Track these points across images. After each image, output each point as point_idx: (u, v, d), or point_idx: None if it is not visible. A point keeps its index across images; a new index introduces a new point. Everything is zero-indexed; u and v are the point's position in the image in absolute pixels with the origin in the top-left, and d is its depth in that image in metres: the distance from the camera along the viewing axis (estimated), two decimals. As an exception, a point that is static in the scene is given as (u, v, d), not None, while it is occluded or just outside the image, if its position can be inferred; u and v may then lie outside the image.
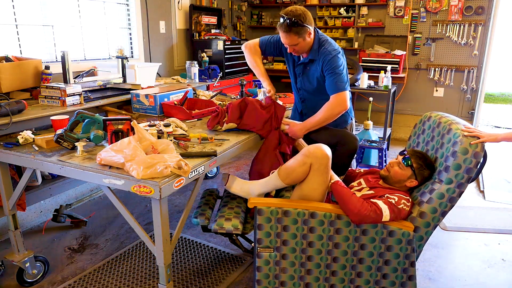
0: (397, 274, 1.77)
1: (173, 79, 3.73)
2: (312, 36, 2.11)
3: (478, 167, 1.70)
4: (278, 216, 1.72)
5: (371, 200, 1.75)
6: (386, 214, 1.69)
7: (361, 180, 2.04)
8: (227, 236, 2.00)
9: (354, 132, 4.26)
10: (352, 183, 2.06)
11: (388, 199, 1.74)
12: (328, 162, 1.81)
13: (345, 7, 5.08)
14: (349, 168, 2.26)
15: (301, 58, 2.25)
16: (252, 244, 1.99)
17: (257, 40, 2.40)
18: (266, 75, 2.34)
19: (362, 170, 2.21)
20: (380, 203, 1.72)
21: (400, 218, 1.74)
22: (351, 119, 2.46)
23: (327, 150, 1.82)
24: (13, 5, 2.75)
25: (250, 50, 2.38)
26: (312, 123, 2.15)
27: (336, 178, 1.89)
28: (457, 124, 1.81)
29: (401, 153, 1.93)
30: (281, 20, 2.02)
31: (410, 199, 1.79)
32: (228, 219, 1.93)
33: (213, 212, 2.15)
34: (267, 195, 2.03)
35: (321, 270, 1.78)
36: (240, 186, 2.01)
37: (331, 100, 2.12)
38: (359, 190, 1.95)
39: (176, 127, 2.08)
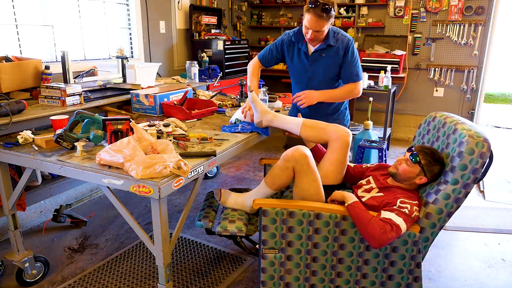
0: (403, 275, 1.77)
1: (173, 79, 3.73)
2: None
3: (484, 167, 1.70)
4: (283, 217, 1.72)
5: (385, 217, 1.67)
6: (404, 227, 1.65)
7: (370, 178, 2.01)
8: (231, 238, 1.99)
9: (354, 133, 4.28)
10: (361, 181, 2.04)
11: (401, 209, 1.69)
12: (309, 160, 1.81)
13: (345, 7, 5.08)
14: (359, 164, 2.24)
15: (311, 48, 2.28)
16: (257, 245, 1.98)
17: (255, 58, 2.52)
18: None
19: (369, 165, 2.16)
20: (394, 217, 1.66)
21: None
22: (348, 120, 2.50)
23: (305, 150, 1.82)
24: (13, 5, 2.75)
25: (252, 68, 2.51)
26: (329, 94, 2.29)
27: (352, 199, 1.77)
28: (463, 124, 1.79)
29: (409, 149, 1.87)
30: (313, 4, 2.05)
31: (418, 202, 1.75)
32: (232, 221, 1.93)
33: (217, 214, 2.16)
34: None
35: (326, 271, 1.77)
36: (234, 200, 2.04)
37: (352, 86, 2.29)
38: (368, 191, 1.92)
39: (175, 127, 2.08)
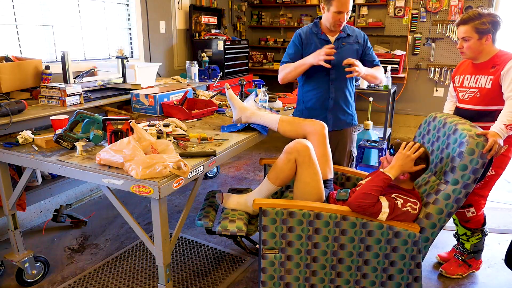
0: (403, 275, 1.76)
1: (173, 79, 3.73)
2: None
3: (485, 167, 1.70)
4: (283, 217, 1.72)
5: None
6: (384, 217, 1.68)
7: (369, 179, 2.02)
8: (231, 238, 1.99)
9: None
10: (361, 181, 2.06)
11: (395, 200, 1.71)
12: (311, 152, 1.86)
13: (345, 7, 5.08)
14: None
15: (331, 37, 2.35)
16: (257, 245, 1.98)
17: (282, 65, 2.41)
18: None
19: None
20: (383, 200, 1.69)
21: (404, 221, 1.72)
22: (355, 120, 2.51)
23: (307, 142, 1.88)
24: (13, 5, 2.75)
25: (283, 75, 2.39)
26: (370, 70, 2.33)
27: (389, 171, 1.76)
28: (463, 125, 1.80)
29: (388, 148, 1.89)
30: None
31: (418, 202, 1.75)
32: (232, 221, 1.93)
33: (217, 214, 2.16)
34: None
35: (326, 271, 1.77)
36: (237, 200, 2.05)
37: (381, 68, 2.44)
38: None
39: (175, 127, 2.08)
